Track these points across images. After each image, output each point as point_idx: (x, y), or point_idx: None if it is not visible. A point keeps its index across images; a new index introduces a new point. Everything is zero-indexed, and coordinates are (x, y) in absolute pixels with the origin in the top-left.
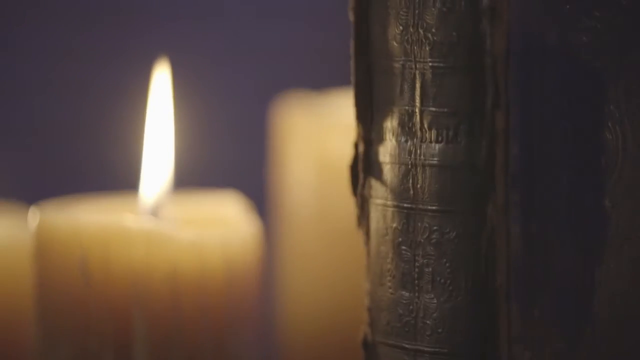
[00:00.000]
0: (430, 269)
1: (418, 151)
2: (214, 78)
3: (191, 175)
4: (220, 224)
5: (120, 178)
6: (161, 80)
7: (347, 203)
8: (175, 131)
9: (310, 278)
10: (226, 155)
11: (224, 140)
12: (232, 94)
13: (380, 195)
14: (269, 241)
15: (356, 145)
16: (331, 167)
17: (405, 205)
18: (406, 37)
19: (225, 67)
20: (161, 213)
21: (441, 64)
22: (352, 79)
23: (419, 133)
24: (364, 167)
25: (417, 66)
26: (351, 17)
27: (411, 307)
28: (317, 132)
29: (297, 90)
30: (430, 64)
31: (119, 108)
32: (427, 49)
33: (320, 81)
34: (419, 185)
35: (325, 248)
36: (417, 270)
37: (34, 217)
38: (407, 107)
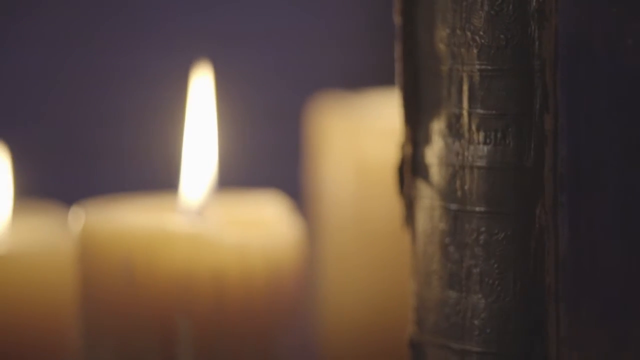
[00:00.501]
0: (478, 270)
1: (466, 153)
2: (255, 79)
3: (232, 175)
4: (263, 225)
5: (162, 177)
6: (202, 79)
7: (385, 204)
8: (217, 131)
9: (348, 279)
10: (266, 155)
11: (264, 140)
12: (272, 94)
13: (427, 196)
14: (309, 242)
15: (402, 147)
16: (368, 167)
17: (452, 206)
18: (453, 40)
19: (265, 68)
20: (204, 213)
21: (489, 67)
22: (399, 81)
23: (466, 135)
24: (410, 168)
25: (465, 69)
26: (397, 20)
27: (459, 307)
28: (354, 133)
29: (335, 91)
30: (477, 66)
31: (161, 107)
32: (475, 51)
33: (357, 81)
34: (466, 187)
35: (363, 249)
36: (464, 270)
37: (78, 217)
38: (454, 109)
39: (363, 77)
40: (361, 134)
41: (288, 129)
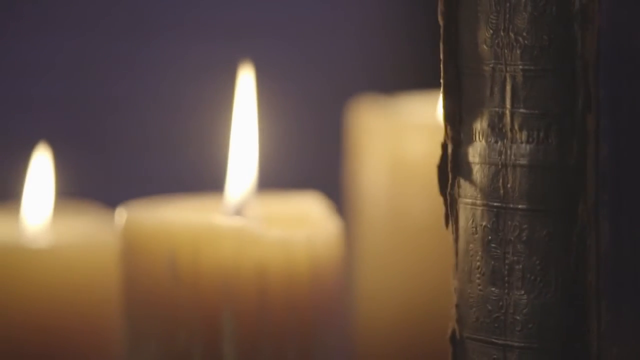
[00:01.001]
0: (521, 266)
1: (508, 152)
2: (294, 81)
3: (273, 175)
4: (304, 222)
5: (204, 180)
6: (245, 83)
7: (422, 202)
8: (258, 133)
9: (384, 276)
10: (307, 155)
11: (305, 140)
12: (314, 94)
13: (469, 195)
14: (348, 241)
15: (444, 146)
16: (405, 165)
17: (495, 204)
18: (496, 41)
19: (304, 70)
20: (246, 213)
21: (532, 67)
22: (442, 81)
23: (509, 134)
24: (452, 167)
25: (508, 69)
26: (440, 21)
27: (501, 303)
28: (394, 132)
29: (376, 91)
30: (521, 66)
31: (204, 106)
32: (518, 52)
33: (399, 81)
34: (509, 185)
35: (399, 246)
36: (507, 267)
37: (122, 216)
38: (497, 109)
39: (405, 78)
40: (400, 132)
41: (329, 128)
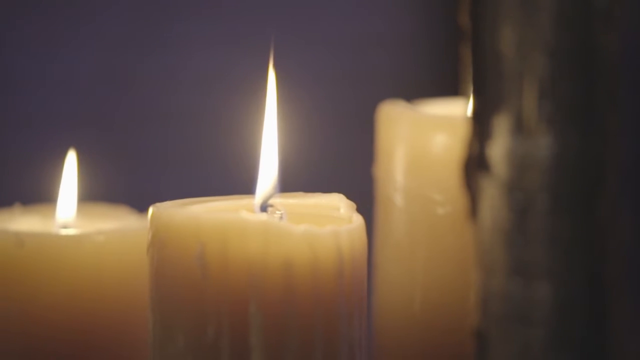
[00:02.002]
0: (543, 260)
1: (532, 148)
2: (324, 84)
3: (299, 180)
4: (329, 220)
5: (232, 182)
6: (271, 85)
7: (442, 199)
8: (280, 135)
9: (403, 270)
10: (334, 161)
11: (332, 146)
12: (342, 100)
13: (492, 191)
14: (372, 239)
15: (469, 143)
16: (426, 165)
17: (518, 199)
18: (520, 41)
19: (334, 73)
20: (273, 210)
21: (555, 66)
22: (468, 81)
23: (533, 131)
24: (476, 163)
25: (531, 69)
26: (464, 22)
27: (523, 296)
28: (417, 131)
29: (402, 98)
30: (544, 65)
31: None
32: (542, 51)
33: (425, 87)
34: (531, 180)
35: (418, 241)
36: (529, 261)
37: (152, 211)
38: (520, 107)
39: (431, 84)
40: (425, 130)
41: (357, 135)
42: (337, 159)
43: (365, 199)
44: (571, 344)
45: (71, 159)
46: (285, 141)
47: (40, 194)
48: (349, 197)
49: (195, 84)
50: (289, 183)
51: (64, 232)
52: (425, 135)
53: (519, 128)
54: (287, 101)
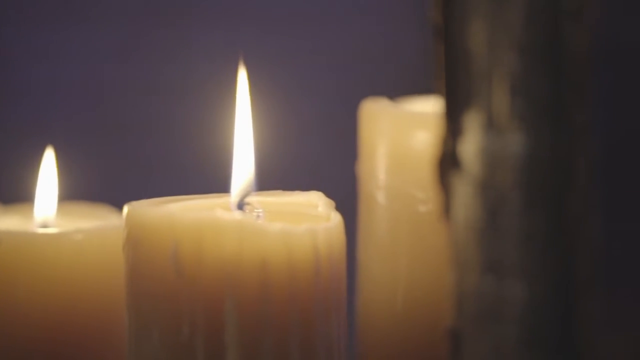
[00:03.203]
0: (515, 258)
1: (503, 145)
2: (294, 78)
3: (273, 176)
4: (306, 216)
5: (210, 185)
6: (243, 85)
7: (424, 197)
8: (255, 133)
9: (388, 270)
10: (308, 155)
11: (312, 146)
12: (321, 100)
13: (464, 189)
14: (351, 237)
15: (441, 140)
16: (408, 162)
17: (490, 197)
18: (490, 38)
19: (306, 68)
20: (249, 209)
21: (526, 64)
22: (438, 78)
23: (503, 129)
24: (449, 161)
25: (502, 66)
26: (434, 19)
27: (496, 294)
28: (397, 128)
29: (383, 97)
30: (514, 64)
31: (206, 115)
32: (512, 48)
33: (405, 86)
34: (504, 179)
35: (398, 239)
36: (502, 260)
37: (126, 210)
38: (491, 104)
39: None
40: (405, 128)
41: (340, 132)
42: (320, 157)
43: (349, 197)
44: (544, 342)
45: (49, 157)
46: (266, 140)
47: (19, 194)
48: (333, 195)
49: (173, 87)
50: (270, 182)
51: (42, 230)
52: (407, 133)
53: (490, 125)
54: (269, 98)
